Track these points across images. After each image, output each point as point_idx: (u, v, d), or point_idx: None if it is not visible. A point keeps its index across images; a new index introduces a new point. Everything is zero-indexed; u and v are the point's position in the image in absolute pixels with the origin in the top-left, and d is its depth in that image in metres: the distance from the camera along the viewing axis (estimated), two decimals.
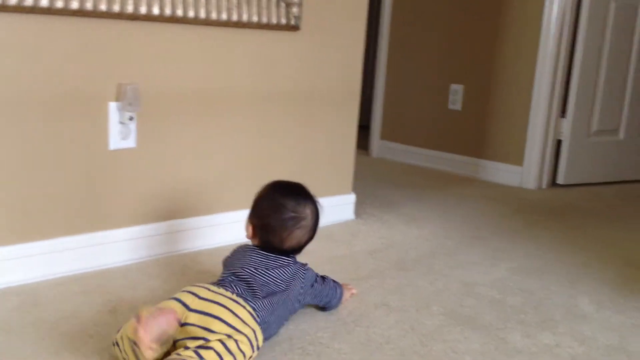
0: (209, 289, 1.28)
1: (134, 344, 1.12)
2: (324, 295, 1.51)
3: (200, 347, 1.15)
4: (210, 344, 1.15)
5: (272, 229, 1.43)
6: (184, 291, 1.28)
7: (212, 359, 1.13)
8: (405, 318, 1.54)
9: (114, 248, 1.76)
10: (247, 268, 1.38)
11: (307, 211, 1.46)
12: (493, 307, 1.64)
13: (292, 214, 1.44)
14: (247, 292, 1.31)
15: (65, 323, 1.41)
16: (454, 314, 1.59)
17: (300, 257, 1.51)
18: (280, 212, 1.44)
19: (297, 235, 1.45)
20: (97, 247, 1.73)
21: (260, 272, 1.38)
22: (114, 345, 1.22)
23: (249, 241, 1.50)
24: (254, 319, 1.25)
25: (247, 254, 1.43)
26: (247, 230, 1.48)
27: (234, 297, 1.27)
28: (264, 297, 1.32)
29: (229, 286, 1.31)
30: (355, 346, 1.38)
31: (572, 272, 1.94)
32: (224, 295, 1.26)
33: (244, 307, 1.25)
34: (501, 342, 1.44)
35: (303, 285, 1.45)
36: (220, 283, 1.34)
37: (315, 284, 1.49)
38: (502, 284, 1.81)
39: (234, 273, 1.37)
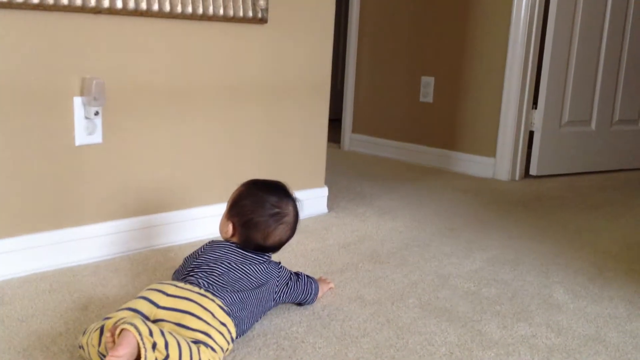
0: (176, 286, 1.24)
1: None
2: (299, 293, 1.49)
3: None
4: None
5: (255, 225, 1.41)
6: (150, 289, 1.24)
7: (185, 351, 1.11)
8: (381, 311, 1.53)
9: (83, 245, 1.72)
10: (221, 264, 1.35)
11: (290, 208, 1.45)
12: (468, 299, 1.63)
13: (276, 210, 1.42)
14: (216, 286, 1.28)
15: (35, 321, 1.37)
16: (430, 306, 1.57)
17: (280, 254, 1.48)
18: (264, 208, 1.42)
19: (280, 231, 1.43)
20: (65, 245, 1.68)
21: (235, 268, 1.35)
22: (79, 347, 1.18)
23: (217, 237, 1.47)
24: (225, 312, 1.22)
25: (222, 250, 1.40)
26: (224, 228, 1.45)
27: (202, 291, 1.24)
28: (234, 292, 1.29)
29: (196, 282, 1.28)
30: (330, 340, 1.36)
31: (546, 262, 1.94)
32: (191, 291, 1.23)
33: (213, 301, 1.22)
34: (477, 334, 1.43)
35: (278, 283, 1.43)
36: (186, 279, 1.31)
37: (290, 282, 1.47)
38: (477, 275, 1.80)
39: (203, 270, 1.33)
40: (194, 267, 1.35)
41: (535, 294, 1.69)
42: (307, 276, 1.54)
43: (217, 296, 1.25)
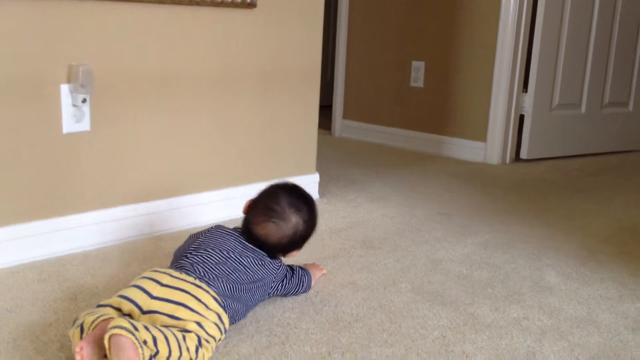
0: (171, 275, 1.23)
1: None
2: (291, 288, 1.48)
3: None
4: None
5: (254, 209, 1.43)
6: (144, 277, 1.23)
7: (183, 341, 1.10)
8: (373, 296, 1.52)
9: (71, 234, 1.70)
10: (219, 252, 1.34)
11: (292, 218, 1.42)
12: (461, 283, 1.63)
13: (276, 207, 1.41)
14: (211, 274, 1.27)
15: (24, 311, 1.36)
16: (422, 290, 1.57)
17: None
18: (271, 199, 1.43)
19: (268, 228, 1.40)
20: (54, 234, 1.67)
21: (232, 258, 1.34)
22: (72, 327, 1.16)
23: (214, 224, 1.46)
24: (218, 303, 1.21)
25: (223, 237, 1.39)
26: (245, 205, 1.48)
27: (197, 282, 1.23)
28: (229, 283, 1.28)
29: (192, 269, 1.27)
30: (323, 326, 1.36)
31: (537, 245, 1.94)
32: (186, 281, 1.22)
33: (207, 292, 1.21)
34: (470, 317, 1.43)
35: (274, 280, 1.42)
36: (182, 266, 1.30)
37: (285, 280, 1.46)
38: (469, 259, 1.80)
39: (201, 254, 1.33)
40: (193, 250, 1.35)
41: (527, 277, 1.69)
42: (301, 269, 1.52)
43: (211, 286, 1.24)
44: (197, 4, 1.84)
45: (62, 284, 1.51)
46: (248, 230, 1.42)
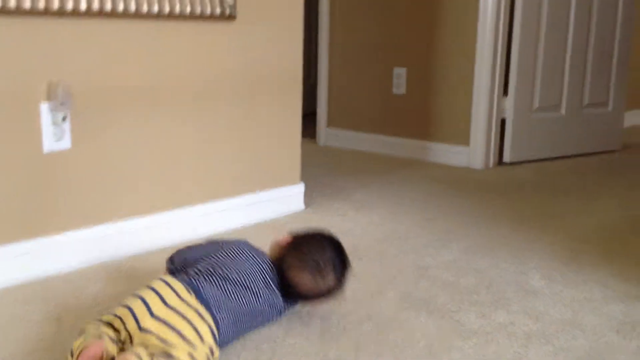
0: (179, 295, 1.21)
1: None
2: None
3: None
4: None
5: (296, 251, 1.40)
6: (151, 288, 1.21)
7: None
8: (361, 306, 1.53)
9: (55, 254, 1.69)
10: (240, 279, 1.32)
11: (330, 277, 1.40)
12: (447, 289, 1.64)
13: (320, 261, 1.39)
14: (223, 304, 1.26)
15: (8, 334, 1.35)
16: (409, 298, 1.58)
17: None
18: (316, 250, 1.40)
19: (305, 279, 1.38)
20: (37, 254, 1.66)
21: (252, 292, 1.32)
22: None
23: (198, 240, 1.46)
24: (214, 337, 1.20)
25: (250, 263, 1.37)
26: (281, 238, 1.44)
27: (201, 309, 1.21)
28: (236, 314, 1.27)
29: (202, 291, 1.25)
30: (310, 339, 1.36)
31: (522, 249, 1.95)
32: (190, 306, 1.20)
33: (207, 324, 1.19)
34: (457, 324, 1.44)
35: (277, 317, 1.42)
36: (194, 279, 1.28)
37: (283, 313, 1.45)
38: (455, 264, 1.81)
39: (219, 276, 1.30)
40: (211, 265, 1.33)
41: (512, 281, 1.70)
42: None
43: (215, 315, 1.22)
44: (177, 18, 1.84)
45: (47, 304, 1.50)
46: (281, 270, 1.39)
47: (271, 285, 1.37)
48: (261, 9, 2.09)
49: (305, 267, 1.39)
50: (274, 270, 1.40)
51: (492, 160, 3.15)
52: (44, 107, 1.62)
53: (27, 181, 1.63)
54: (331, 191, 2.62)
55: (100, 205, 1.78)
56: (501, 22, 3.00)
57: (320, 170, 2.98)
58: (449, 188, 2.72)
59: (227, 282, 1.30)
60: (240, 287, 1.32)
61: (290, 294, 1.40)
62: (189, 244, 1.53)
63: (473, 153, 3.13)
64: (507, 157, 3.18)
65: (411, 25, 3.28)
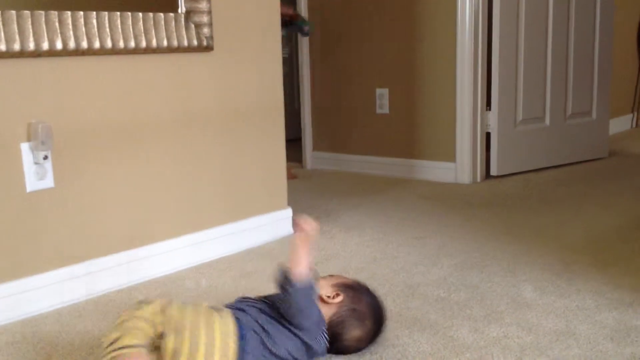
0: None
1: None
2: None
3: None
4: None
5: (354, 314, 1.36)
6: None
7: None
8: None
9: (43, 293, 1.67)
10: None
11: (372, 335, 1.40)
12: (439, 306, 1.63)
13: (374, 329, 1.39)
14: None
15: None
16: (401, 317, 1.57)
17: (248, 281, 1.46)
18: (374, 315, 1.39)
19: (355, 333, 1.36)
20: (24, 294, 1.64)
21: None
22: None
23: (181, 271, 1.44)
24: None
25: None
26: (328, 289, 1.39)
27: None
28: None
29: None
30: None
31: (512, 261, 1.95)
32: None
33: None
34: (450, 340, 1.43)
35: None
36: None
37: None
38: (446, 281, 1.81)
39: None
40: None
41: (504, 294, 1.69)
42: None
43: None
44: (154, 51, 1.85)
45: (36, 345, 1.48)
46: (336, 332, 1.35)
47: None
48: (239, 39, 2.10)
49: (361, 328, 1.36)
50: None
51: (479, 174, 3.16)
52: (25, 147, 1.62)
53: (11, 221, 1.62)
54: (320, 214, 2.61)
55: (85, 241, 1.77)
56: (480, 37, 3.03)
57: (308, 194, 2.98)
58: (438, 205, 2.72)
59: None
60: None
61: (329, 335, 1.36)
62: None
63: (460, 168, 3.14)
64: (494, 171, 3.19)
65: (391, 45, 3.30)
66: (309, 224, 1.35)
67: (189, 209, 2.02)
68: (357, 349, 1.38)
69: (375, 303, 1.41)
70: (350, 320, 1.36)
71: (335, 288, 1.39)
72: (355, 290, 1.41)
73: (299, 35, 3.62)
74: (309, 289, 1.30)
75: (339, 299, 1.37)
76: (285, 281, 1.29)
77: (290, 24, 3.36)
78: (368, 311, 1.38)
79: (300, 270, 1.28)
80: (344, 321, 1.35)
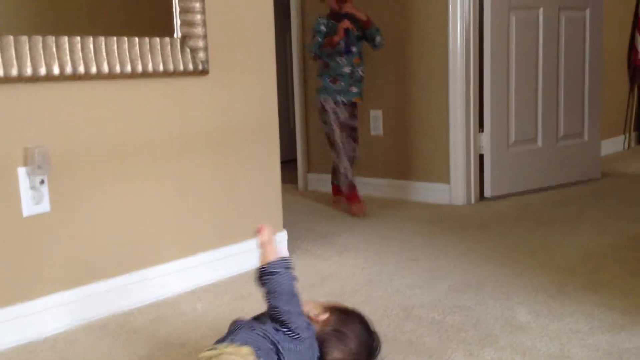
0: None
1: None
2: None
3: None
4: None
5: (341, 343, 1.36)
6: None
7: None
8: None
9: (38, 319, 1.67)
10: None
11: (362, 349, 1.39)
12: (434, 329, 1.64)
13: (363, 352, 1.38)
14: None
15: None
16: (396, 341, 1.57)
17: (243, 304, 1.46)
18: (360, 343, 1.37)
19: (336, 355, 1.35)
20: (20, 320, 1.64)
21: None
22: None
23: (175, 296, 1.44)
24: None
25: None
26: (317, 310, 1.40)
27: None
28: None
29: None
30: None
31: (507, 283, 1.96)
32: None
33: None
34: None
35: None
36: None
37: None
38: (441, 303, 1.81)
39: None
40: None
41: (499, 317, 1.70)
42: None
43: None
44: (150, 75, 1.87)
45: None
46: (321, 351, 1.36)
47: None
48: (234, 62, 2.12)
49: (345, 352, 1.35)
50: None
51: (473, 196, 3.18)
52: (22, 172, 1.63)
53: (7, 246, 1.62)
54: (315, 236, 2.62)
55: (81, 266, 1.77)
56: (472, 60, 3.06)
57: (303, 216, 2.99)
58: (432, 226, 2.73)
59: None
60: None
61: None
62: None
63: (454, 190, 3.16)
64: (487, 192, 3.20)
65: (384, 67, 3.33)
66: (265, 227, 1.43)
67: (184, 233, 2.02)
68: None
69: (365, 331, 1.39)
70: (332, 340, 1.35)
71: (324, 309, 1.40)
72: (345, 314, 1.41)
73: (312, 50, 3.02)
74: (285, 268, 1.36)
75: (324, 317, 1.38)
76: (259, 273, 1.36)
77: (362, 33, 3.02)
78: (354, 337, 1.36)
79: (270, 259, 1.37)
80: (326, 340, 1.35)
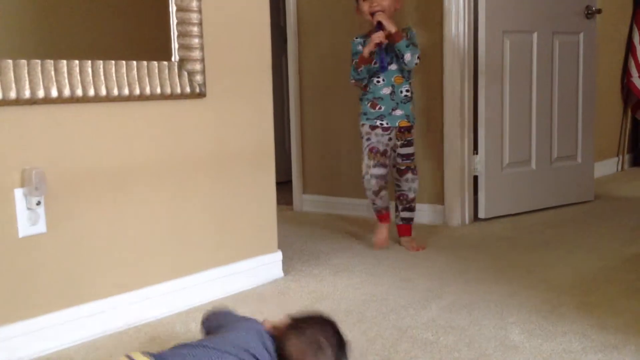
0: None
1: None
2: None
3: None
4: None
5: (298, 333, 1.38)
6: None
7: None
8: None
9: (33, 339, 1.68)
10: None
11: (328, 352, 1.37)
12: (427, 349, 1.64)
13: (322, 340, 1.37)
14: None
15: None
16: None
17: None
18: (317, 330, 1.39)
19: (307, 356, 1.36)
20: (15, 340, 1.64)
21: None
22: None
23: (171, 315, 1.46)
24: None
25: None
26: (278, 320, 1.44)
27: None
28: None
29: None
30: None
31: (500, 304, 1.97)
32: None
33: None
34: None
35: None
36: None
37: None
38: (435, 324, 1.82)
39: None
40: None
41: (492, 337, 1.71)
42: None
43: None
44: (147, 98, 1.89)
45: None
46: (281, 349, 1.38)
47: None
48: (231, 85, 2.15)
49: (308, 346, 1.36)
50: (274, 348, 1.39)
51: (467, 217, 3.20)
52: (19, 193, 1.64)
53: (3, 267, 1.63)
54: (309, 257, 2.63)
55: (78, 286, 1.78)
56: (466, 83, 3.10)
57: (297, 237, 3.00)
58: (427, 247, 2.74)
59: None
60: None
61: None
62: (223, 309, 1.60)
63: (449, 211, 3.18)
64: (482, 213, 3.22)
65: None
66: None
67: (179, 253, 2.04)
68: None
69: (322, 322, 1.42)
70: (291, 336, 1.37)
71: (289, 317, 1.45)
72: (305, 317, 1.44)
73: (350, 75, 2.75)
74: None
75: (285, 322, 1.42)
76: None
77: (387, 47, 2.59)
78: (307, 326, 1.39)
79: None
80: (284, 337, 1.38)
